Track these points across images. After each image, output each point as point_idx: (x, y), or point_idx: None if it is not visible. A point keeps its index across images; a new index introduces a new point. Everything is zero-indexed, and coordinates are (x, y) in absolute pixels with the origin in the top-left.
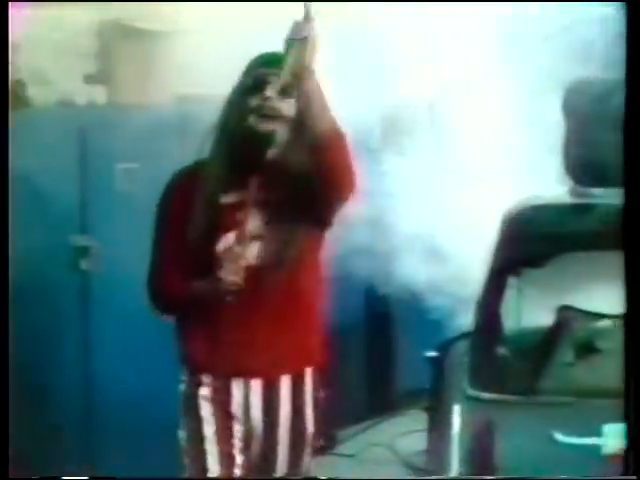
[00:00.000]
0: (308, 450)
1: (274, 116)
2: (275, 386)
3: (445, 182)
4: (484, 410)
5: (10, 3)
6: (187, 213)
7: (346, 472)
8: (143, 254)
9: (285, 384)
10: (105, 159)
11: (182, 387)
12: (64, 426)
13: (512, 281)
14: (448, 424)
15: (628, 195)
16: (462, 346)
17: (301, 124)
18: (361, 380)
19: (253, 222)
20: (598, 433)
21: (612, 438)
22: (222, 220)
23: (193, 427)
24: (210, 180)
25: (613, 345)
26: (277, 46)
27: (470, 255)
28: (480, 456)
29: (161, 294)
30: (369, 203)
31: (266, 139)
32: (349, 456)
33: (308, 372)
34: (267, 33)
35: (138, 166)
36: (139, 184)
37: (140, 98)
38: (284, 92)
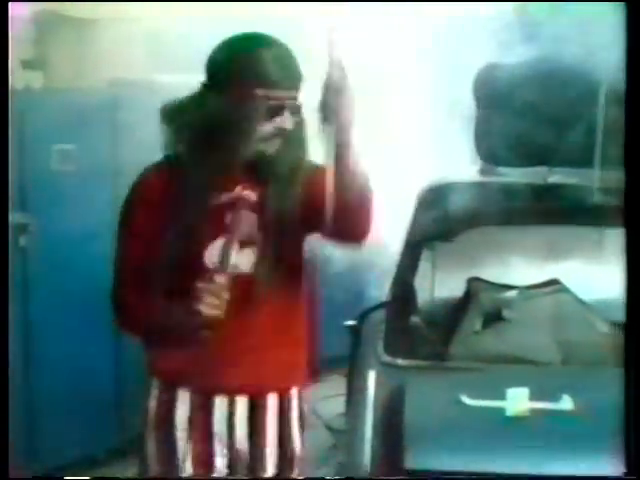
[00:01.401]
0: (295, 471)
1: (279, 136)
2: (262, 404)
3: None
4: (398, 375)
5: (10, 3)
6: (161, 220)
7: None
8: (78, 230)
9: (272, 403)
10: (42, 140)
11: (151, 403)
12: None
13: (426, 254)
14: (365, 388)
15: (629, 189)
16: (379, 315)
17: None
18: None
19: (245, 227)
20: (502, 396)
21: (514, 401)
22: (208, 226)
23: (165, 449)
24: (193, 178)
25: (518, 314)
26: (200, 36)
27: (387, 230)
28: (393, 417)
29: (124, 313)
30: None
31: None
32: None
33: (294, 391)
34: (193, 21)
35: (73, 147)
36: (74, 164)
37: (74, 82)
38: (293, 115)
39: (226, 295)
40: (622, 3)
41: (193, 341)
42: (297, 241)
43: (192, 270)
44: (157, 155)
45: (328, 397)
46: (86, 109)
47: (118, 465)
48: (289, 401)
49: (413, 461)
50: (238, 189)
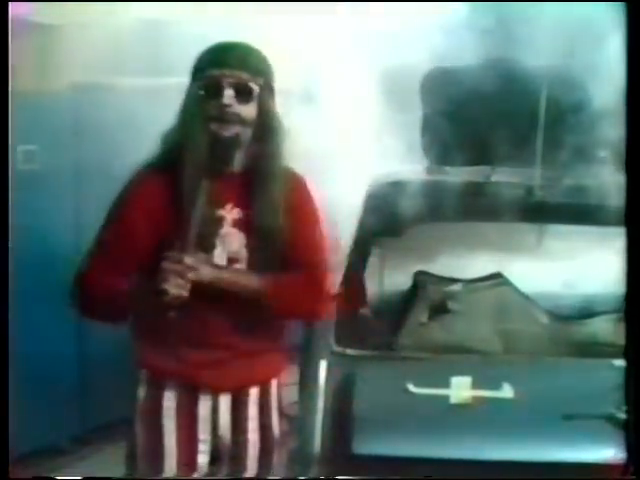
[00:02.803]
0: (277, 458)
1: (235, 121)
2: (244, 397)
3: (318, 160)
4: (348, 364)
5: (10, 3)
6: (150, 221)
7: None
8: (41, 225)
9: (253, 394)
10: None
11: (140, 392)
12: None
13: (375, 249)
14: (316, 377)
15: (629, 188)
16: (330, 307)
17: (263, 127)
18: None
19: (232, 245)
20: (446, 385)
21: (458, 389)
22: (194, 238)
23: (151, 435)
24: (189, 188)
25: (462, 306)
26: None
27: (338, 226)
28: (342, 404)
29: (84, 294)
30: None
31: (230, 144)
32: None
33: (274, 383)
34: (153, 27)
35: (36, 147)
36: (37, 164)
37: (38, 86)
38: (242, 96)
39: (192, 275)
40: (622, 3)
41: (160, 323)
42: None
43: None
44: (117, 155)
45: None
46: (49, 111)
47: (82, 454)
48: (269, 391)
49: (361, 446)
50: (227, 207)
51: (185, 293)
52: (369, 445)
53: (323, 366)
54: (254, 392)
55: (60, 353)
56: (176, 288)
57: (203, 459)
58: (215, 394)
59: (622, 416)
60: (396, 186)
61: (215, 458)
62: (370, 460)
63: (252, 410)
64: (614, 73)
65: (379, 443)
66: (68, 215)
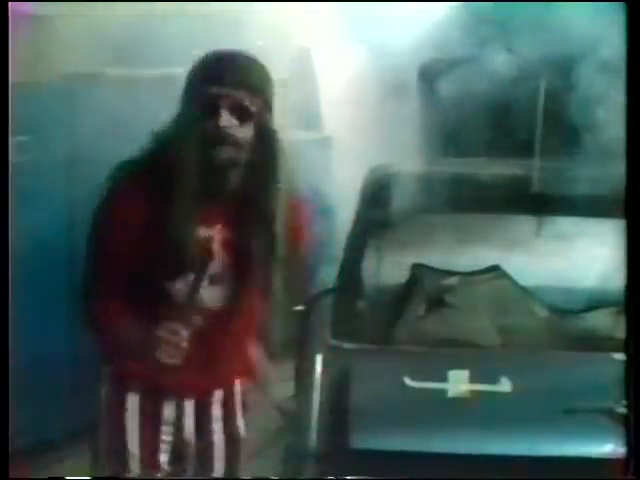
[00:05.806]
0: (242, 455)
1: (231, 143)
2: (208, 402)
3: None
4: (344, 358)
5: (10, 3)
6: (136, 235)
7: None
8: (34, 219)
9: (217, 398)
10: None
11: (104, 388)
12: None
13: (372, 242)
14: (312, 371)
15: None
16: (326, 301)
17: (259, 147)
18: None
19: (215, 264)
20: (443, 378)
21: (456, 383)
22: (181, 258)
23: (114, 434)
24: (175, 211)
25: (460, 299)
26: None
27: (335, 218)
28: (339, 398)
29: (95, 326)
30: None
31: (224, 169)
32: None
33: (237, 383)
34: (148, 18)
35: (29, 139)
36: (30, 155)
37: (30, 76)
38: (239, 117)
39: (185, 345)
40: (622, 3)
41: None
42: (267, 274)
43: (159, 300)
44: (111, 146)
45: (279, 380)
46: (42, 102)
47: (75, 448)
48: (233, 392)
49: (358, 441)
50: (217, 228)
51: (179, 362)
52: (366, 440)
53: (319, 360)
54: (218, 393)
55: (56, 348)
56: (170, 358)
57: (164, 458)
58: (180, 398)
59: (622, 410)
60: (393, 178)
61: (179, 457)
62: (367, 455)
63: (216, 411)
64: (614, 65)
65: (376, 437)
66: (61, 207)
